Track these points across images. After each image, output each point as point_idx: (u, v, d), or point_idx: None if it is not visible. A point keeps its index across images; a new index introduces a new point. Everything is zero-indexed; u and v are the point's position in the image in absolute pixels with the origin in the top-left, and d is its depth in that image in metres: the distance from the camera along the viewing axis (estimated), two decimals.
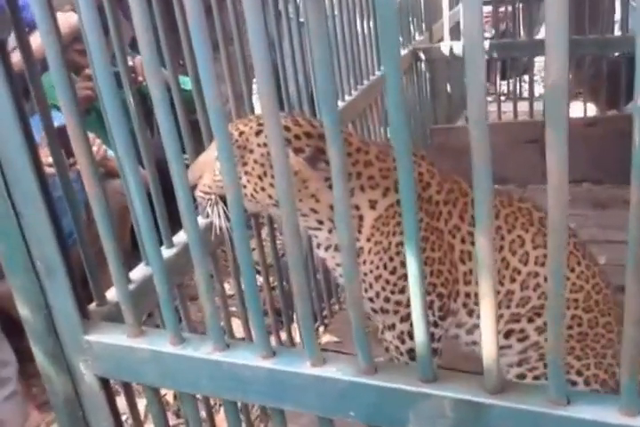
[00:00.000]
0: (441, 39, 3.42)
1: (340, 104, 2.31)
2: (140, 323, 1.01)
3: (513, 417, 0.74)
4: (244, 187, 1.40)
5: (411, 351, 1.55)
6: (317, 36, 0.64)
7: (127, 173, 0.86)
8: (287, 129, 1.40)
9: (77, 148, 0.89)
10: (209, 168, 1.40)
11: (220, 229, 1.38)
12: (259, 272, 2.08)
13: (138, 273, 1.27)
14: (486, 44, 3.27)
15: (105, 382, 1.06)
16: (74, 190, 1.12)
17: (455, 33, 3.39)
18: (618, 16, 3.30)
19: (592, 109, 3.50)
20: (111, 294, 1.18)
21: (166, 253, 1.32)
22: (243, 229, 0.82)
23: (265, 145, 1.38)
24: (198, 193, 1.41)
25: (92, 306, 1.14)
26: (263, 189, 1.38)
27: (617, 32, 3.29)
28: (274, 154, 0.75)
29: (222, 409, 2.03)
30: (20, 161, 0.90)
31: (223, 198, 1.42)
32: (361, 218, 1.44)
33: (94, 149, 2.35)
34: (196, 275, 0.90)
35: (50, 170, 1.06)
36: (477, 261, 0.68)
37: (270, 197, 1.40)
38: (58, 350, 1.03)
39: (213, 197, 1.39)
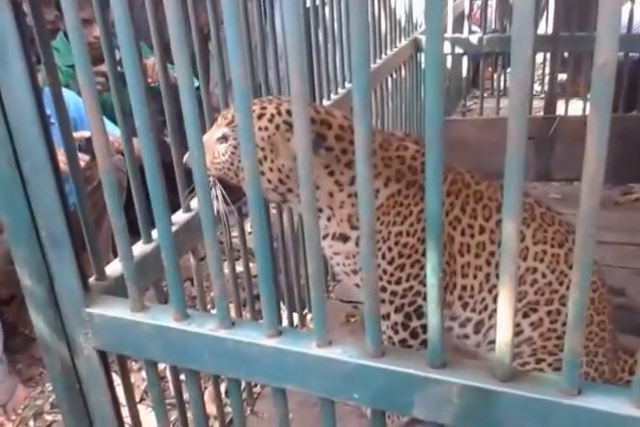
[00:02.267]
0: (444, 31, 3.40)
1: (341, 91, 2.30)
2: (144, 298, 1.00)
3: (522, 405, 0.74)
4: (243, 171, 1.39)
5: (403, 342, 1.55)
6: (356, 6, 0.63)
7: (144, 147, 0.84)
8: (290, 113, 1.39)
9: (93, 122, 0.87)
10: (209, 151, 1.38)
11: (218, 211, 1.37)
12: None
13: (136, 251, 1.26)
14: (485, 38, 3.27)
15: (103, 357, 1.05)
16: (79, 166, 1.10)
17: (458, 24, 3.38)
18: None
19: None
20: (110, 269, 1.17)
21: None
22: (259, 208, 0.81)
23: (266, 129, 1.37)
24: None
25: (91, 280, 1.13)
26: (263, 173, 1.37)
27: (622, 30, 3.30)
28: (299, 143, 0.74)
29: (207, 391, 2.05)
30: (32, 130, 0.88)
31: (221, 181, 1.41)
32: None
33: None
34: (208, 256, 0.89)
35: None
36: (502, 246, 0.68)
37: (269, 181, 1.39)
38: (58, 321, 1.01)
39: (212, 179, 1.39)
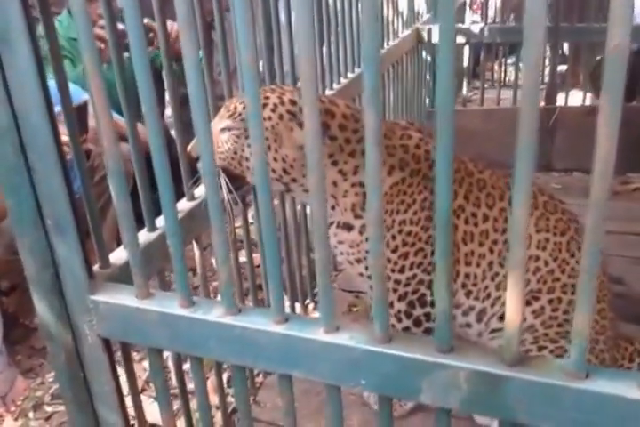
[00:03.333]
0: None
1: (344, 80, 2.30)
2: (149, 285, 1.00)
3: (530, 390, 0.74)
4: (247, 160, 1.39)
5: (406, 330, 1.55)
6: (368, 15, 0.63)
7: (151, 130, 0.84)
8: (293, 103, 1.39)
9: (99, 107, 0.87)
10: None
11: (222, 200, 1.37)
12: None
13: (140, 239, 1.26)
14: (486, 28, 3.26)
15: (108, 345, 1.05)
16: (83, 154, 1.10)
17: (460, 14, 3.37)
18: None
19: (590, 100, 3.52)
20: (114, 258, 1.17)
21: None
22: (267, 195, 0.81)
23: (270, 119, 1.37)
24: (201, 165, 1.39)
25: (95, 268, 1.13)
26: (267, 163, 1.37)
27: None
28: (308, 126, 0.74)
29: (209, 380, 2.06)
30: (38, 117, 0.87)
31: (225, 170, 1.41)
32: (365, 196, 1.44)
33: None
34: (214, 241, 0.89)
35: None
36: (510, 231, 0.67)
37: (273, 171, 1.39)
38: (63, 309, 1.01)
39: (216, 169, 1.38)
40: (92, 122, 2.34)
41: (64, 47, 2.72)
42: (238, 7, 0.71)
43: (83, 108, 2.07)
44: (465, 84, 3.92)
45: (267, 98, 1.38)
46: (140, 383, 2.26)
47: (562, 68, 3.80)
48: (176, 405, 1.86)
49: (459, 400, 0.79)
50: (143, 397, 2.08)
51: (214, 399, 1.84)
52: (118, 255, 1.17)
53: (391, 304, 1.54)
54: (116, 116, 2.41)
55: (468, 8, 3.34)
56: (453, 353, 0.79)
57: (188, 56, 0.78)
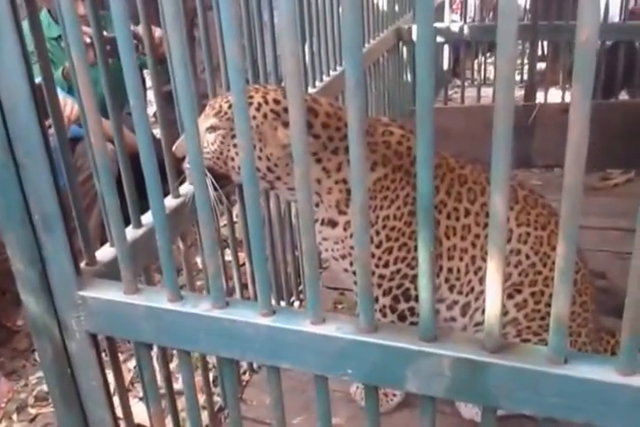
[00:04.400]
0: None
1: (326, 78, 2.31)
2: (137, 280, 1.01)
3: (511, 376, 0.76)
4: (232, 160, 1.40)
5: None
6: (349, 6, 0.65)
7: (138, 124, 0.85)
8: (277, 102, 1.40)
9: (87, 104, 0.88)
10: None
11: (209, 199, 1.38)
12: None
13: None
14: (465, 26, 3.30)
15: (95, 340, 1.06)
16: (69, 150, 1.10)
17: (439, 13, 3.40)
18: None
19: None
20: (101, 254, 1.18)
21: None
22: (254, 188, 0.83)
23: (254, 118, 1.38)
24: (186, 165, 1.40)
25: (82, 265, 1.13)
26: None
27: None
28: (294, 134, 0.76)
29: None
30: (25, 112, 0.88)
31: (211, 170, 1.42)
32: (349, 192, 1.45)
33: (68, 108, 2.30)
34: (202, 234, 0.90)
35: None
36: (490, 219, 0.69)
37: (258, 170, 1.40)
38: (50, 305, 1.02)
39: None
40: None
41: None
42: (223, 1, 0.72)
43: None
44: (446, 82, 3.95)
45: (251, 97, 1.39)
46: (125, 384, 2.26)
47: (541, 65, 3.84)
48: (162, 404, 1.87)
49: (443, 388, 0.81)
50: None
51: (201, 399, 1.85)
52: (104, 253, 1.18)
53: (376, 299, 1.55)
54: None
55: (447, 7, 3.36)
56: (437, 342, 0.81)
57: (175, 55, 0.79)
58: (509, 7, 0.62)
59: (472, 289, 1.53)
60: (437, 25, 3.32)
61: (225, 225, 1.84)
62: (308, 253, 0.84)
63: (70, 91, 2.46)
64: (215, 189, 1.40)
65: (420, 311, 0.81)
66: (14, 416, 2.17)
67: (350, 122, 0.74)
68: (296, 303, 2.35)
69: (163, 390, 1.43)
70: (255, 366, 2.00)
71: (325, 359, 0.87)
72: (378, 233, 1.48)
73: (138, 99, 0.84)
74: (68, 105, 2.30)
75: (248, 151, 0.81)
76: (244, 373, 2.01)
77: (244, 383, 1.97)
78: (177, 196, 1.44)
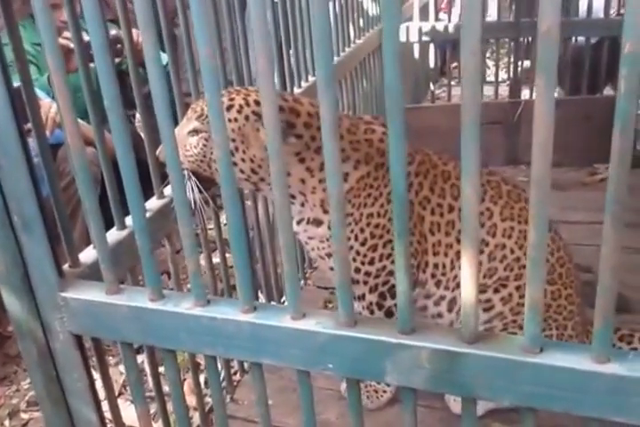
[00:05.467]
0: (410, 19, 3.44)
1: (312, 78, 2.32)
2: (118, 281, 1.01)
3: (488, 365, 0.77)
4: (215, 162, 1.41)
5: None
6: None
7: (115, 128, 0.85)
8: (258, 103, 1.40)
9: (62, 105, 0.88)
10: (180, 144, 1.39)
11: (195, 202, 1.39)
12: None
13: (110, 238, 1.27)
14: (451, 25, 3.31)
15: (79, 342, 1.06)
16: (50, 154, 1.11)
17: (424, 14, 3.41)
18: None
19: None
20: (84, 256, 1.18)
21: None
22: (234, 190, 0.83)
23: (236, 120, 1.38)
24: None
25: (65, 267, 1.13)
26: (235, 164, 1.39)
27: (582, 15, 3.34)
28: (270, 134, 0.76)
29: (186, 382, 2.06)
30: (3, 115, 0.88)
31: (195, 173, 1.42)
32: None
33: (52, 114, 2.30)
34: (181, 233, 0.90)
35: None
36: (462, 209, 0.70)
37: (242, 171, 1.41)
38: (33, 307, 1.02)
39: (185, 172, 1.39)
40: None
41: (29, 52, 2.70)
42: (194, 2, 0.73)
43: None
44: (432, 81, 3.97)
45: (232, 99, 1.39)
46: (117, 387, 2.26)
47: (527, 63, 3.86)
48: (153, 408, 1.87)
49: (422, 379, 0.82)
50: (120, 400, 2.09)
51: (191, 400, 1.85)
52: (88, 254, 1.18)
53: (363, 296, 1.56)
54: (80, 122, 2.39)
55: (432, 6, 3.37)
56: (415, 334, 0.82)
57: (149, 56, 0.80)
58: (473, 4, 0.63)
59: (458, 285, 1.54)
60: (423, 24, 3.34)
61: (213, 227, 1.84)
62: (287, 250, 0.84)
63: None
64: (200, 191, 1.40)
65: (398, 304, 0.82)
66: (6, 422, 2.17)
67: (323, 117, 0.74)
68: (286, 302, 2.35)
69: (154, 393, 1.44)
70: (246, 366, 2.01)
71: (306, 354, 0.88)
72: (362, 231, 1.49)
73: (113, 101, 0.85)
74: (54, 108, 2.30)
75: (224, 149, 0.82)
76: (235, 373, 2.02)
77: (235, 383, 1.98)
78: (161, 196, 1.44)
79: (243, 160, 1.40)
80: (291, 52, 2.23)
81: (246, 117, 1.38)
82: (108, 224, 1.30)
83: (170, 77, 1.51)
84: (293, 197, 1.49)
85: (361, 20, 2.99)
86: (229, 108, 1.37)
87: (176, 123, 1.55)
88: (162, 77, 0.80)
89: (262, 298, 2.28)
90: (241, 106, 1.38)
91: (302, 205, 1.51)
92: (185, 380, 2.14)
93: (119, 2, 1.29)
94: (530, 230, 0.67)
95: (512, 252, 1.51)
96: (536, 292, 0.72)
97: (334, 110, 0.73)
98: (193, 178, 1.40)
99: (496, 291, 1.53)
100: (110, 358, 2.36)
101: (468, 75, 0.66)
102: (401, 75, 0.68)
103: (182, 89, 1.58)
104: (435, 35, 3.32)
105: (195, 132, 1.40)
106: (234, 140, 1.37)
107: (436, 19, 3.38)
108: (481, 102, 0.69)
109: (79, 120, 2.20)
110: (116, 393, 2.24)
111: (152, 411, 2.06)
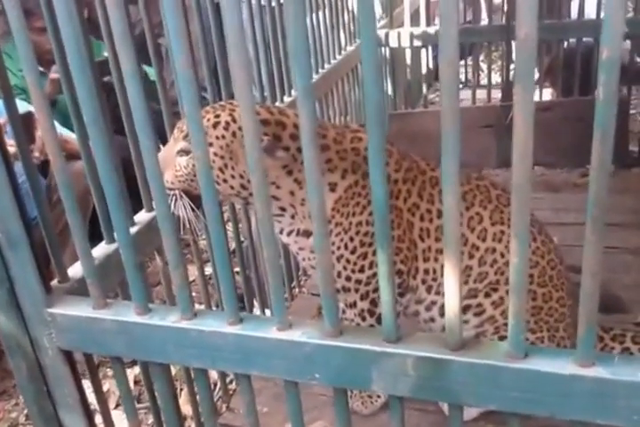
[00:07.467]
0: (401, 24, 3.45)
1: None
2: (105, 296, 1.01)
3: (473, 372, 0.77)
4: None
5: (371, 327, 1.58)
6: (294, 10, 0.66)
7: (96, 146, 0.86)
8: None
9: (44, 128, 0.89)
10: (170, 164, 1.39)
11: (189, 221, 1.38)
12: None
13: (99, 251, 1.27)
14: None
15: (69, 357, 1.06)
16: (36, 173, 1.11)
17: (415, 19, 3.43)
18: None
19: (547, 95, 3.58)
20: (73, 271, 1.18)
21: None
22: (216, 207, 0.84)
23: (223, 137, 1.37)
24: (164, 183, 1.40)
25: (54, 283, 1.14)
26: (225, 180, 1.38)
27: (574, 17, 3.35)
28: (248, 148, 0.77)
29: (182, 392, 2.06)
30: None
31: (186, 192, 1.41)
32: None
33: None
34: (165, 246, 0.91)
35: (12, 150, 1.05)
36: (443, 217, 0.71)
37: (232, 187, 1.40)
38: (21, 323, 1.02)
39: (177, 192, 1.39)
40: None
41: (17, 86, 2.67)
42: (169, 14, 0.73)
43: (27, 119, 2.04)
44: (426, 85, 3.99)
45: (217, 116, 1.37)
46: (114, 399, 2.26)
47: None
48: (150, 419, 1.87)
49: (408, 387, 0.82)
50: (118, 412, 2.09)
51: (188, 410, 1.85)
52: (76, 269, 1.18)
53: (354, 304, 1.56)
54: (68, 133, 2.40)
55: (423, 11, 3.38)
56: (400, 342, 0.82)
57: (127, 70, 0.80)
58: (449, 12, 0.64)
59: None
60: (414, 29, 3.35)
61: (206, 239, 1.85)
62: (271, 263, 0.85)
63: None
64: (192, 209, 1.39)
65: (382, 313, 0.82)
66: None
67: (302, 127, 0.75)
68: None
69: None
70: (232, 376, 2.01)
71: (293, 365, 0.88)
72: (352, 239, 1.49)
73: (94, 117, 0.85)
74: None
75: (204, 162, 0.82)
76: (231, 382, 2.02)
77: (231, 392, 1.97)
78: (150, 209, 1.45)
79: (232, 177, 1.39)
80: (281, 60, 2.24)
81: (233, 134, 1.36)
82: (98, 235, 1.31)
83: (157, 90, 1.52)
84: (284, 209, 1.49)
85: (352, 27, 3.01)
86: (216, 125, 1.36)
87: (164, 134, 1.55)
88: (140, 92, 0.81)
89: (257, 306, 2.29)
90: (227, 122, 1.37)
91: (292, 217, 1.51)
92: (182, 390, 2.13)
93: (103, 23, 1.30)
94: (511, 239, 0.68)
95: (502, 256, 1.51)
96: (519, 298, 0.72)
97: (313, 120, 0.74)
98: (185, 198, 1.39)
99: (487, 295, 1.53)
100: (108, 369, 2.36)
101: (446, 84, 0.66)
102: (380, 84, 0.68)
103: (169, 96, 1.58)
104: (426, 39, 3.33)
105: (183, 152, 1.38)
106: (222, 158, 1.36)
107: (430, 24, 3.39)
108: (459, 110, 0.69)
109: (70, 133, 2.20)
110: (114, 405, 2.24)
111: (150, 421, 2.06)
